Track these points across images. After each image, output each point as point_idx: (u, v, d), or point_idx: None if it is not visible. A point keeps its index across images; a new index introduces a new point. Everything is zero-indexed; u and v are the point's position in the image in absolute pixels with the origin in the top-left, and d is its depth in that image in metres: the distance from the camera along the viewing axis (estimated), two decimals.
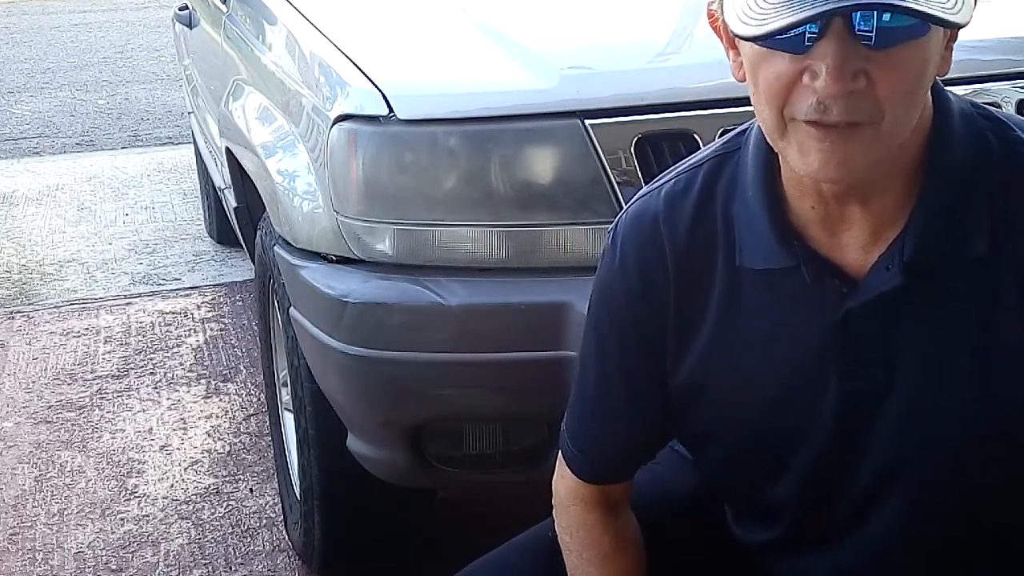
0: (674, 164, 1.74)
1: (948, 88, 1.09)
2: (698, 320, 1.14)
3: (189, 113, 4.34)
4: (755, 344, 1.12)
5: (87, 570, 2.38)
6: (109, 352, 3.38)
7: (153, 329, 3.54)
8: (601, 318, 1.22)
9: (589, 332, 1.24)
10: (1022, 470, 1.08)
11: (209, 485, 2.66)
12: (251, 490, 2.64)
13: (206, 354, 3.36)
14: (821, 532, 1.18)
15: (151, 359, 3.33)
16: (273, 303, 2.26)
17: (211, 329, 3.54)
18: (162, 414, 3.00)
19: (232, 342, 3.44)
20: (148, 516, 2.55)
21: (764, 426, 1.14)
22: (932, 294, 1.05)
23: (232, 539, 2.46)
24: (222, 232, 4.16)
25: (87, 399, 3.09)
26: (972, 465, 1.08)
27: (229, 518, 2.53)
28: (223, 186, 2.97)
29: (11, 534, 2.50)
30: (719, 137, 1.23)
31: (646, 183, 1.74)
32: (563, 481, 1.28)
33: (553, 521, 1.31)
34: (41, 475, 2.73)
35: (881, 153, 0.99)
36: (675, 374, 1.17)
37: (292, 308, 1.94)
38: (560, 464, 1.28)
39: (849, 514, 1.15)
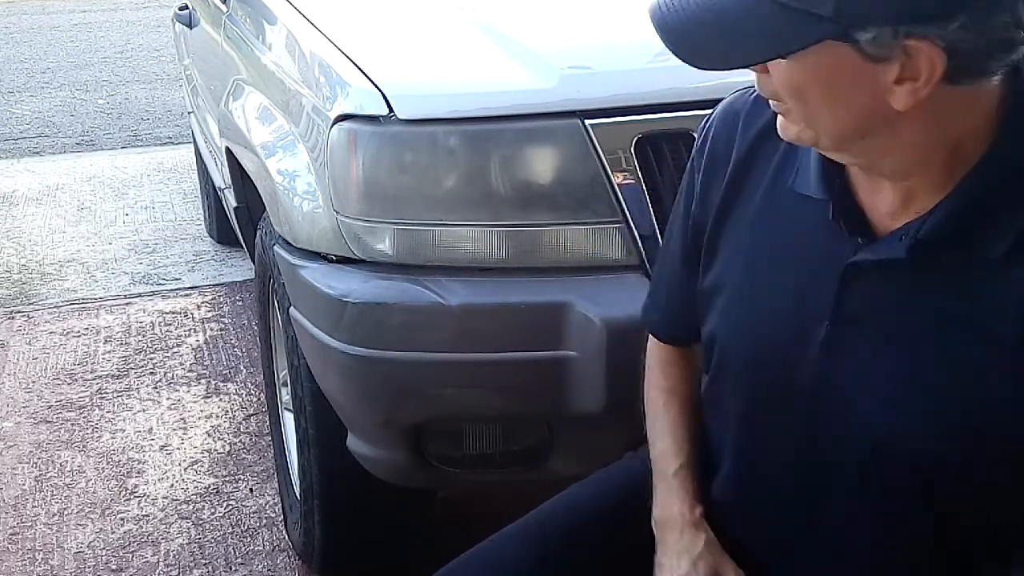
0: (674, 164, 1.76)
1: None
2: (735, 223, 1.20)
3: (189, 113, 4.34)
4: (771, 263, 1.16)
5: (87, 570, 2.38)
6: (109, 352, 3.38)
7: (153, 329, 3.54)
8: (682, 190, 1.30)
9: (676, 201, 1.34)
10: (990, 470, 1.08)
11: (209, 485, 2.66)
12: (251, 490, 2.64)
13: (206, 354, 3.36)
14: (797, 491, 1.18)
15: (151, 359, 3.33)
16: (273, 303, 2.26)
17: (211, 329, 3.54)
18: (162, 414, 3.01)
19: (232, 342, 3.44)
20: (148, 516, 2.55)
21: (756, 348, 1.18)
22: (934, 280, 1.05)
23: (232, 539, 2.46)
24: (222, 232, 4.16)
25: (87, 399, 3.09)
26: (931, 455, 1.08)
27: (229, 518, 2.54)
28: (223, 186, 2.97)
29: (11, 534, 2.50)
30: None
31: (646, 183, 1.76)
32: (650, 341, 1.43)
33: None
34: (41, 475, 2.73)
35: (808, 136, 1.04)
36: (704, 272, 1.24)
37: (292, 308, 1.94)
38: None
39: (822, 474, 1.16)
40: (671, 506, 1.29)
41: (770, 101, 1.06)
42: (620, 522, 1.34)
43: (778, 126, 1.07)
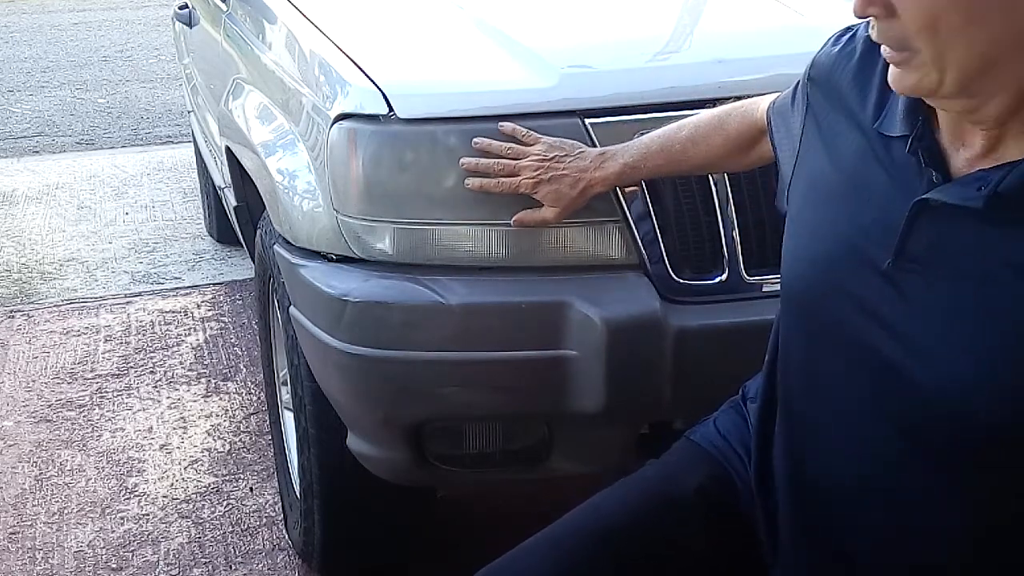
0: None
1: None
2: (806, 161, 1.26)
3: (189, 112, 4.34)
4: (838, 197, 1.18)
5: (87, 569, 2.38)
6: (109, 351, 3.38)
7: (153, 328, 3.54)
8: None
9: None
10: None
11: (209, 484, 2.66)
12: (251, 489, 2.64)
13: (206, 353, 3.36)
14: (853, 438, 1.18)
15: (151, 358, 3.33)
16: (273, 302, 2.26)
17: (211, 328, 3.54)
18: (162, 413, 3.01)
19: (232, 341, 3.44)
20: (148, 515, 2.55)
21: (813, 271, 1.19)
22: (1006, 233, 1.04)
23: (232, 538, 2.46)
24: (222, 231, 4.16)
25: (87, 398, 3.09)
26: (983, 405, 1.06)
27: (229, 517, 2.54)
28: (223, 185, 2.97)
29: (11, 533, 2.50)
30: None
31: (646, 182, 1.76)
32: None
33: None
34: (41, 474, 2.73)
35: (930, 81, 1.02)
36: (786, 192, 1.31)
37: (292, 307, 1.94)
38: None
39: (875, 418, 1.15)
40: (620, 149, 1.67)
41: (886, 52, 1.05)
42: (642, 532, 1.32)
43: (893, 79, 1.07)
